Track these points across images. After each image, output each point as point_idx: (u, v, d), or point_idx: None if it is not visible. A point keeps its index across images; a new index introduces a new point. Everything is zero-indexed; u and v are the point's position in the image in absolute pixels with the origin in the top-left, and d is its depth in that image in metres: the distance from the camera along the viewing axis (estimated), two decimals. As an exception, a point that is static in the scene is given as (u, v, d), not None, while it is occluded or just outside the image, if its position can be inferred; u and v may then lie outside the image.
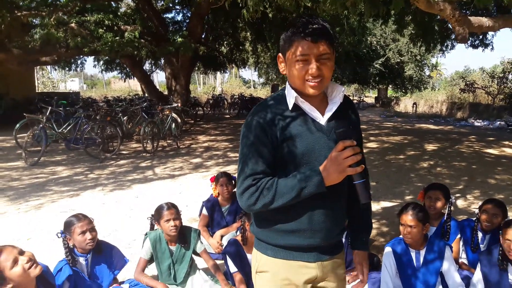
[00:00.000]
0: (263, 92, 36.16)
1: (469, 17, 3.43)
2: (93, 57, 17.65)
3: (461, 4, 8.93)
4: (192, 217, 4.60)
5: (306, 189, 1.36)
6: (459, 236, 3.21)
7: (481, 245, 3.15)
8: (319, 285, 1.56)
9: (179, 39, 11.67)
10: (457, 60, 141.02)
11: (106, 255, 2.85)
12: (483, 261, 2.71)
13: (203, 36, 15.02)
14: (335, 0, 4.84)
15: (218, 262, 3.33)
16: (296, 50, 1.39)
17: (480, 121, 17.46)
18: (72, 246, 2.70)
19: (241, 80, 56.16)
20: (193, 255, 3.05)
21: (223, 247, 3.39)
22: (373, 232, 4.31)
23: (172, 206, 2.95)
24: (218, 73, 30.22)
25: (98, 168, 7.41)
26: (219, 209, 3.79)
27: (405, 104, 25.81)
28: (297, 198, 1.37)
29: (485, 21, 3.59)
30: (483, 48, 12.97)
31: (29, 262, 2.05)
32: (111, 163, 7.92)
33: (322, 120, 1.47)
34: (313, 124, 1.45)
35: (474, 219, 3.20)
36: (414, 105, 23.01)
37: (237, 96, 21.53)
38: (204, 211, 3.80)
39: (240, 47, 17.76)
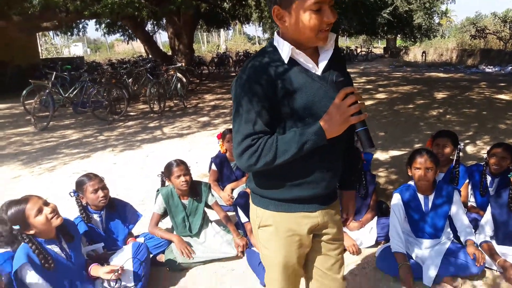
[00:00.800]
0: (268, 48, 35.43)
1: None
2: (94, 20, 17.36)
3: None
4: (202, 173, 4.66)
5: (308, 144, 1.32)
6: (467, 180, 3.22)
7: (490, 189, 3.17)
8: (321, 232, 1.59)
9: (180, -3, 11.35)
10: (468, 6, 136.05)
11: (119, 211, 2.92)
12: (492, 203, 2.73)
13: (204, -8, 14.61)
14: None
15: (230, 214, 3.40)
16: None
17: (492, 67, 17.08)
18: (85, 204, 2.77)
19: (245, 37, 55.12)
20: (205, 208, 3.12)
21: (234, 199, 3.45)
22: (382, 180, 4.35)
23: (181, 163, 2.99)
24: (222, 30, 29.66)
25: (107, 130, 7.46)
26: (228, 164, 3.83)
27: (414, 54, 25.27)
28: (299, 153, 1.33)
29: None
30: (495, -10, 12.49)
31: (52, 213, 2.17)
32: (119, 124, 7.97)
33: (318, 70, 1.41)
34: (310, 76, 1.39)
35: (482, 163, 3.20)
36: (424, 54, 22.53)
37: (242, 54, 21.21)
38: (213, 167, 3.84)
39: (243, 2, 17.25)
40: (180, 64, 11.21)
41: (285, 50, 1.38)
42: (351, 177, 1.77)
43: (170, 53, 15.92)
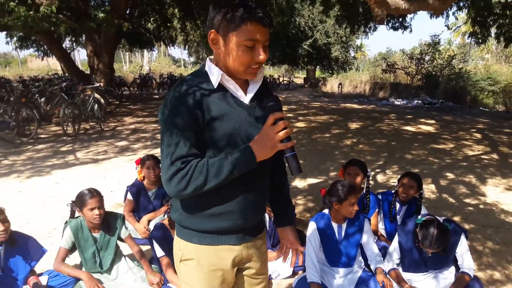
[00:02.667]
0: (193, 72, 35.39)
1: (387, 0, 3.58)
2: (4, 32, 16.15)
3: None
4: (117, 202, 4.44)
5: (238, 167, 1.33)
6: (377, 210, 3.41)
7: (398, 216, 3.38)
8: (244, 266, 1.57)
9: (101, 15, 11.04)
10: (380, 42, 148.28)
11: (21, 246, 2.67)
12: (399, 231, 2.91)
13: (127, 12, 14.31)
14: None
15: (146, 247, 3.25)
16: (247, 33, 1.31)
17: (400, 100, 18.61)
18: (-20, 240, 2.49)
19: (170, 59, 54.66)
20: (118, 242, 2.95)
21: (150, 232, 3.31)
22: (300, 208, 4.46)
23: (96, 194, 2.80)
24: (145, 51, 29.08)
25: (13, 154, 6.85)
26: (145, 193, 3.67)
27: (332, 85, 26.75)
28: (230, 177, 1.33)
29: (401, 3, 3.77)
30: (402, 30, 13.72)
31: None
32: (28, 148, 7.36)
33: (246, 99, 1.44)
34: (237, 104, 1.42)
35: (393, 191, 3.42)
36: (340, 86, 23.93)
37: (166, 76, 20.94)
38: (129, 196, 3.66)
39: (168, 24, 17.17)
40: (98, 84, 10.73)
41: (215, 75, 1.39)
42: (289, 211, 1.71)
43: (88, 71, 15.25)
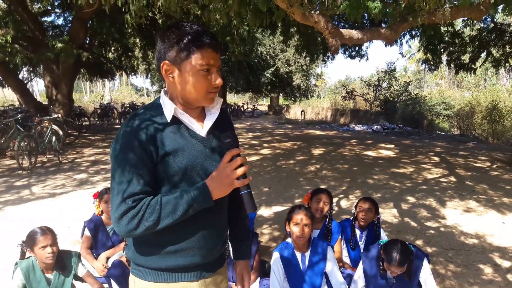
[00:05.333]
0: (156, 101, 35.13)
1: (341, 30, 3.71)
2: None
3: (339, 17, 9.72)
4: (75, 239, 4.21)
5: (194, 206, 1.30)
6: (340, 236, 3.42)
7: (359, 242, 3.40)
8: None
9: (59, 45, 10.84)
10: (339, 70, 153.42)
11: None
12: (363, 258, 2.92)
13: (87, 42, 14.13)
14: (219, 9, 4.91)
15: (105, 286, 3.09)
16: (200, 59, 1.31)
17: (360, 125, 19.16)
18: None
19: (132, 88, 54.11)
20: (76, 282, 2.79)
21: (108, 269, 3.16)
22: (265, 237, 4.41)
23: (48, 231, 2.65)
24: (106, 80, 28.72)
25: (-38, 190, 6.46)
26: (104, 229, 3.52)
27: (295, 112, 27.27)
28: (184, 216, 1.29)
29: (355, 33, 3.92)
30: (359, 58, 14.23)
31: None
32: (-22, 183, 6.97)
33: (202, 132, 1.42)
34: (193, 137, 1.39)
35: (351, 218, 3.45)
36: (303, 113, 24.39)
37: (128, 105, 20.69)
38: (87, 232, 3.49)
39: (130, 54, 17.07)
40: (56, 115, 10.42)
41: (168, 109, 1.37)
42: (244, 245, 1.71)
43: (47, 102, 14.82)
